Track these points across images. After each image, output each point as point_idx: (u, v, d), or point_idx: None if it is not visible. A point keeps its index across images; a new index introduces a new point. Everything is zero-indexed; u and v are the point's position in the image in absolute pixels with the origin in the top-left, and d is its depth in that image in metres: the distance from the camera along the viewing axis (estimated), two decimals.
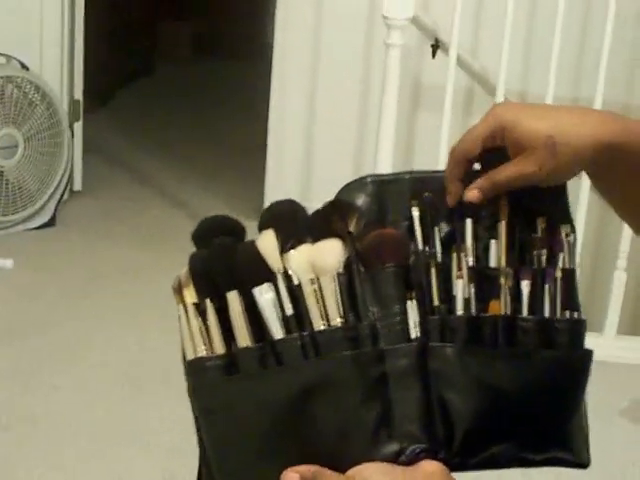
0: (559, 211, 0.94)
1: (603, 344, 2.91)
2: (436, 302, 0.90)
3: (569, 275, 0.92)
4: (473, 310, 0.90)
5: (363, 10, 3.52)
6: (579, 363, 0.92)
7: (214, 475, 0.89)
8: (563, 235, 0.92)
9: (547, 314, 0.90)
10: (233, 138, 5.25)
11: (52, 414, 2.64)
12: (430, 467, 0.85)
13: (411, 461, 0.85)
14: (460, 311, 0.89)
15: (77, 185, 4.25)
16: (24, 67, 3.79)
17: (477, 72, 3.30)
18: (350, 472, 0.84)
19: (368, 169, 3.06)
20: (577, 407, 0.92)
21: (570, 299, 0.92)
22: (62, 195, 3.99)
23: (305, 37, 3.60)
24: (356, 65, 3.60)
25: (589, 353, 0.92)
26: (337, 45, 3.59)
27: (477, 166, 0.94)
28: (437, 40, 3.24)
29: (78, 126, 4.22)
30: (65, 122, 3.92)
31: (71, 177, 4.13)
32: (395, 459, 0.85)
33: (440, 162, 2.85)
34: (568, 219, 0.94)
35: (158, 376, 2.81)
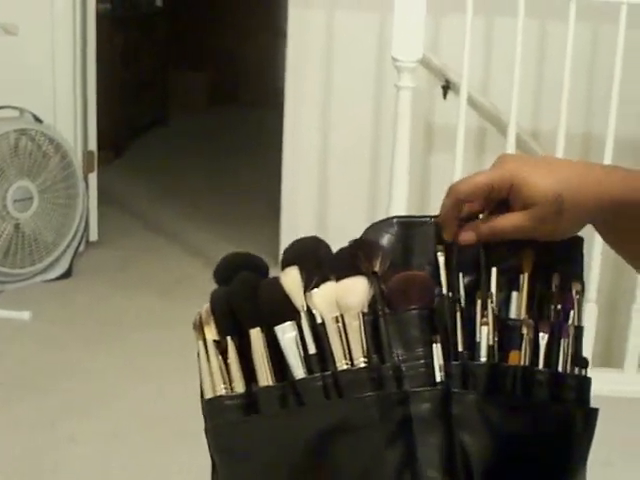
0: (573, 266, 0.95)
1: (624, 380, 2.90)
2: (460, 347, 0.89)
3: (578, 332, 0.92)
4: (495, 358, 0.89)
5: (372, 52, 3.54)
6: (584, 420, 0.91)
7: None
8: (574, 292, 0.92)
9: (560, 369, 0.90)
10: (247, 185, 5.27)
11: (71, 467, 2.62)
12: None
13: None
14: (483, 358, 0.89)
15: (93, 236, 4.27)
16: (37, 120, 3.82)
17: (488, 111, 3.30)
18: None
19: (382, 211, 3.06)
20: (580, 463, 0.90)
21: (578, 356, 0.92)
22: (78, 246, 4.00)
23: (316, 80, 3.62)
24: (367, 107, 3.61)
25: (595, 411, 0.92)
26: (348, 88, 3.60)
27: None
28: (447, 81, 3.25)
29: (93, 177, 4.24)
30: (79, 173, 3.94)
31: (87, 228, 4.14)
32: None
33: None
34: (580, 276, 0.94)
35: (176, 426, 2.79)
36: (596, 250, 2.90)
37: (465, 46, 2.89)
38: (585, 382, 0.92)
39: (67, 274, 3.94)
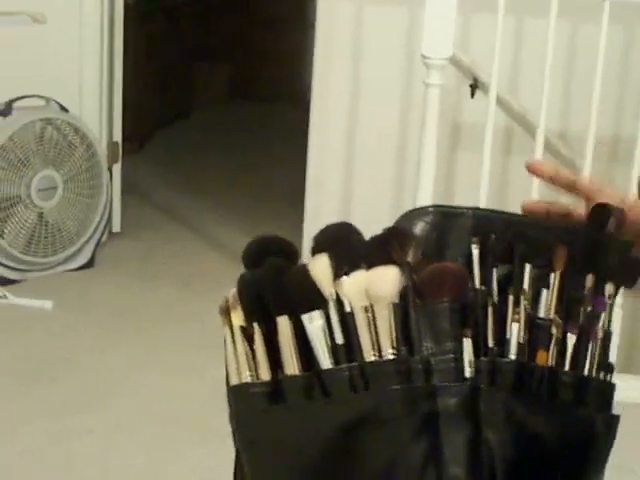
0: (613, 268, 0.92)
1: None
2: (490, 343, 0.87)
3: (607, 336, 0.90)
4: (525, 357, 0.87)
5: (401, 48, 3.52)
6: (606, 426, 0.89)
7: None
8: (607, 296, 0.90)
9: (586, 372, 0.89)
10: (271, 178, 5.26)
11: (84, 457, 2.63)
12: None
13: None
14: (513, 355, 0.86)
15: (116, 227, 4.27)
16: (63, 109, 3.82)
17: (516, 112, 3.28)
18: None
19: (407, 209, 3.04)
20: (599, 469, 0.89)
21: (605, 361, 0.90)
22: (101, 236, 4.00)
23: (344, 76, 3.60)
24: (395, 104, 3.59)
25: (616, 418, 0.90)
26: (376, 83, 3.59)
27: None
28: (476, 80, 3.23)
29: (117, 168, 4.24)
30: (104, 164, 3.94)
31: (110, 218, 4.14)
32: None
33: (480, 202, 2.83)
34: (617, 277, 0.92)
35: (191, 422, 2.79)
36: None
37: (495, 45, 2.88)
38: (609, 388, 0.90)
39: (89, 264, 3.94)
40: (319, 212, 3.68)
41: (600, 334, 0.89)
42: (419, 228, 0.91)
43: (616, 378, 0.91)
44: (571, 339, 0.88)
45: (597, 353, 0.89)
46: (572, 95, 3.43)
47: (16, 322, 3.41)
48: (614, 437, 0.90)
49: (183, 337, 3.32)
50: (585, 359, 0.88)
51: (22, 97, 3.71)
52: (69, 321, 3.45)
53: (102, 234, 4.01)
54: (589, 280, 0.90)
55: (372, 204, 3.55)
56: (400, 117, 3.59)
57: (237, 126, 6.49)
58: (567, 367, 0.88)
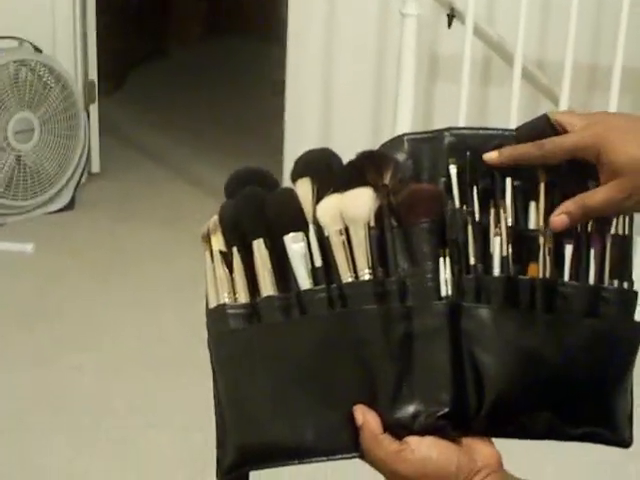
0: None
1: None
2: (472, 260, 0.86)
3: (621, 242, 0.87)
4: (511, 271, 0.86)
5: None
6: (626, 336, 0.87)
7: (228, 427, 0.86)
8: None
9: (592, 281, 0.86)
10: (249, 114, 5.23)
11: (77, 395, 2.64)
12: (488, 452, 0.83)
13: (429, 426, 0.82)
14: (497, 269, 0.85)
15: (95, 167, 4.24)
16: (37, 50, 3.77)
17: (494, 41, 3.25)
18: (410, 439, 0.82)
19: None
20: (621, 382, 0.87)
21: (621, 268, 0.87)
22: (80, 178, 3.98)
23: (320, 4, 3.56)
24: (372, 35, 3.55)
25: (638, 326, 0.88)
26: (352, 15, 3.55)
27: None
28: (453, 9, 3.20)
29: (94, 108, 4.20)
30: (80, 104, 3.91)
31: (88, 159, 4.11)
32: (412, 421, 0.82)
33: None
34: None
35: (177, 358, 2.80)
36: None
37: None
38: (627, 295, 0.87)
39: (69, 206, 3.92)
40: (298, 145, 3.67)
41: (610, 240, 0.87)
42: (396, 157, 0.91)
43: None
44: (568, 249, 0.86)
45: (607, 260, 0.86)
46: (549, 23, 3.40)
47: None
48: (638, 346, 0.88)
49: (166, 276, 3.32)
50: (588, 269, 0.86)
51: None
52: (51, 264, 3.45)
53: (81, 175, 3.99)
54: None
55: (350, 137, 3.54)
56: (378, 49, 3.56)
57: (215, 62, 6.42)
58: (567, 278, 0.86)
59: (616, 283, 0.87)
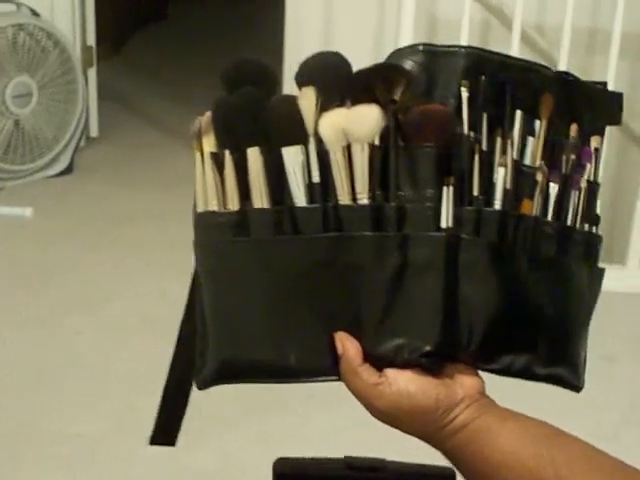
0: (598, 119, 0.89)
1: (626, 275, 2.90)
2: (475, 192, 0.82)
3: (592, 188, 0.87)
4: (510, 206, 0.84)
5: None
6: (590, 280, 0.87)
7: (210, 338, 0.84)
8: (593, 147, 0.88)
9: (569, 223, 0.86)
10: None
11: (75, 358, 2.65)
12: (470, 382, 0.81)
13: (411, 362, 0.79)
14: (498, 201, 0.82)
15: (93, 132, 4.24)
16: (35, 14, 3.75)
17: (493, 4, 3.24)
18: (389, 372, 0.80)
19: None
20: (585, 326, 0.88)
21: (590, 212, 0.87)
22: (79, 142, 3.97)
23: None
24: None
25: (601, 271, 0.88)
26: None
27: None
28: None
29: (92, 72, 4.19)
30: (79, 68, 3.89)
31: (87, 124, 4.11)
32: (394, 355, 0.80)
33: None
34: (601, 131, 0.89)
35: (176, 320, 2.81)
36: None
37: None
38: (593, 239, 0.88)
39: (68, 170, 3.92)
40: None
41: (584, 184, 0.86)
42: (408, 66, 0.85)
43: None
44: (554, 188, 0.85)
45: (581, 204, 0.86)
46: None
47: None
48: (598, 291, 0.88)
49: (165, 240, 3.33)
50: (568, 209, 0.86)
51: None
52: (50, 228, 3.45)
53: (80, 139, 3.98)
54: (573, 129, 0.87)
55: (352, 56, 3.48)
56: (377, 14, 3.53)
57: (215, 25, 6.39)
58: (550, 217, 0.85)
59: (586, 227, 0.88)
